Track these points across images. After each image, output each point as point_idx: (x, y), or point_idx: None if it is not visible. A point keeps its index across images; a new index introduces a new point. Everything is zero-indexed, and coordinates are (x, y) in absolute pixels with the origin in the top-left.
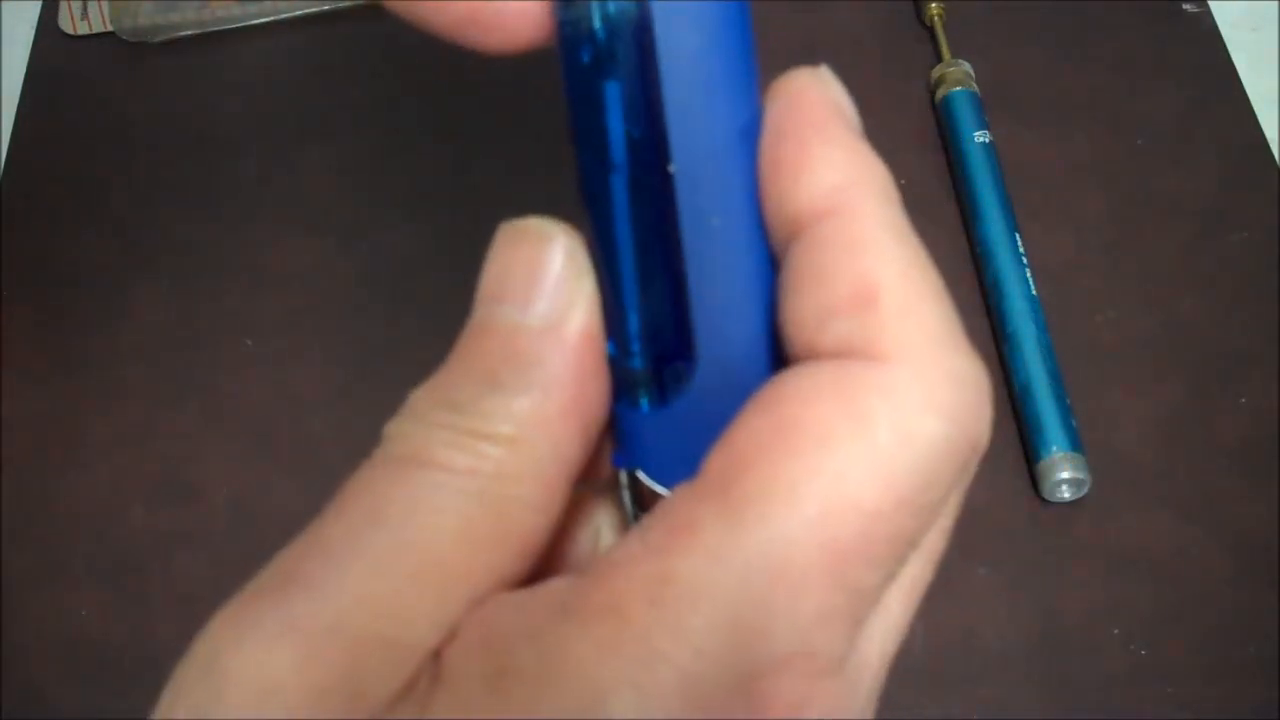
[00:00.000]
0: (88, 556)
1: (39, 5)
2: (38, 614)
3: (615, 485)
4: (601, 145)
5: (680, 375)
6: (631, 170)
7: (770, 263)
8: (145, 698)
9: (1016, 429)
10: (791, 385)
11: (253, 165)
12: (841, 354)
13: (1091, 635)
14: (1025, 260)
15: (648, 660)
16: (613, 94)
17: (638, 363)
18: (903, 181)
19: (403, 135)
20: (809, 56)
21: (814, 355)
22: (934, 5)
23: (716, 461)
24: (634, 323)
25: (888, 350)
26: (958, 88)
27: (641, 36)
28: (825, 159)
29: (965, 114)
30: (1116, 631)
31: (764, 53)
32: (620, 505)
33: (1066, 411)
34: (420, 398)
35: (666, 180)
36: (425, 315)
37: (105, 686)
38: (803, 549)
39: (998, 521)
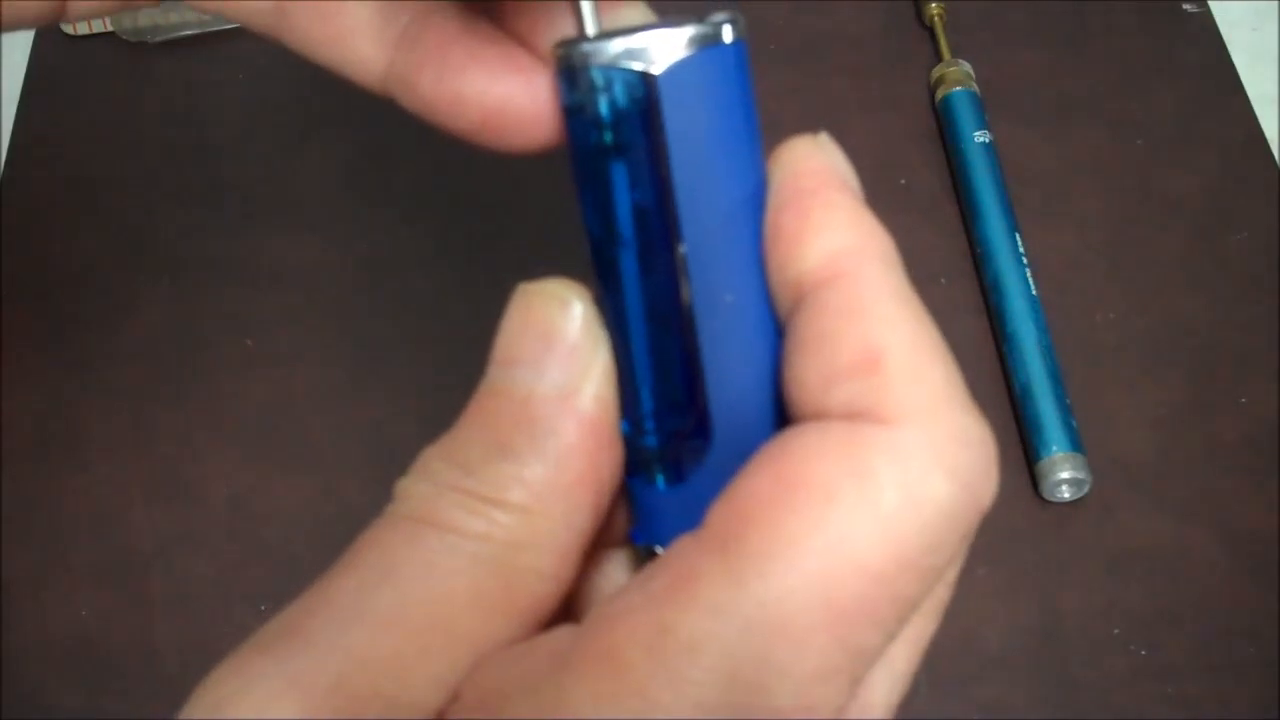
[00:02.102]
0: (88, 556)
1: None
2: (38, 614)
3: (627, 544)
4: (612, 230)
5: (696, 451)
6: (641, 250)
7: (777, 331)
8: (145, 698)
9: (1016, 429)
10: (796, 442)
11: (253, 165)
12: (847, 415)
13: (1091, 635)
14: (1025, 260)
15: (647, 712)
16: (619, 174)
17: (652, 440)
18: (902, 181)
19: (403, 135)
20: (809, 57)
21: (818, 417)
22: (934, 5)
23: (719, 515)
24: (647, 401)
25: (894, 412)
26: (958, 88)
27: (647, 117)
28: (826, 225)
29: (965, 114)
30: (1116, 631)
31: (764, 54)
32: (632, 571)
33: (1066, 411)
34: (432, 457)
35: (676, 258)
36: (425, 315)
37: (105, 686)
38: (803, 606)
39: (998, 521)
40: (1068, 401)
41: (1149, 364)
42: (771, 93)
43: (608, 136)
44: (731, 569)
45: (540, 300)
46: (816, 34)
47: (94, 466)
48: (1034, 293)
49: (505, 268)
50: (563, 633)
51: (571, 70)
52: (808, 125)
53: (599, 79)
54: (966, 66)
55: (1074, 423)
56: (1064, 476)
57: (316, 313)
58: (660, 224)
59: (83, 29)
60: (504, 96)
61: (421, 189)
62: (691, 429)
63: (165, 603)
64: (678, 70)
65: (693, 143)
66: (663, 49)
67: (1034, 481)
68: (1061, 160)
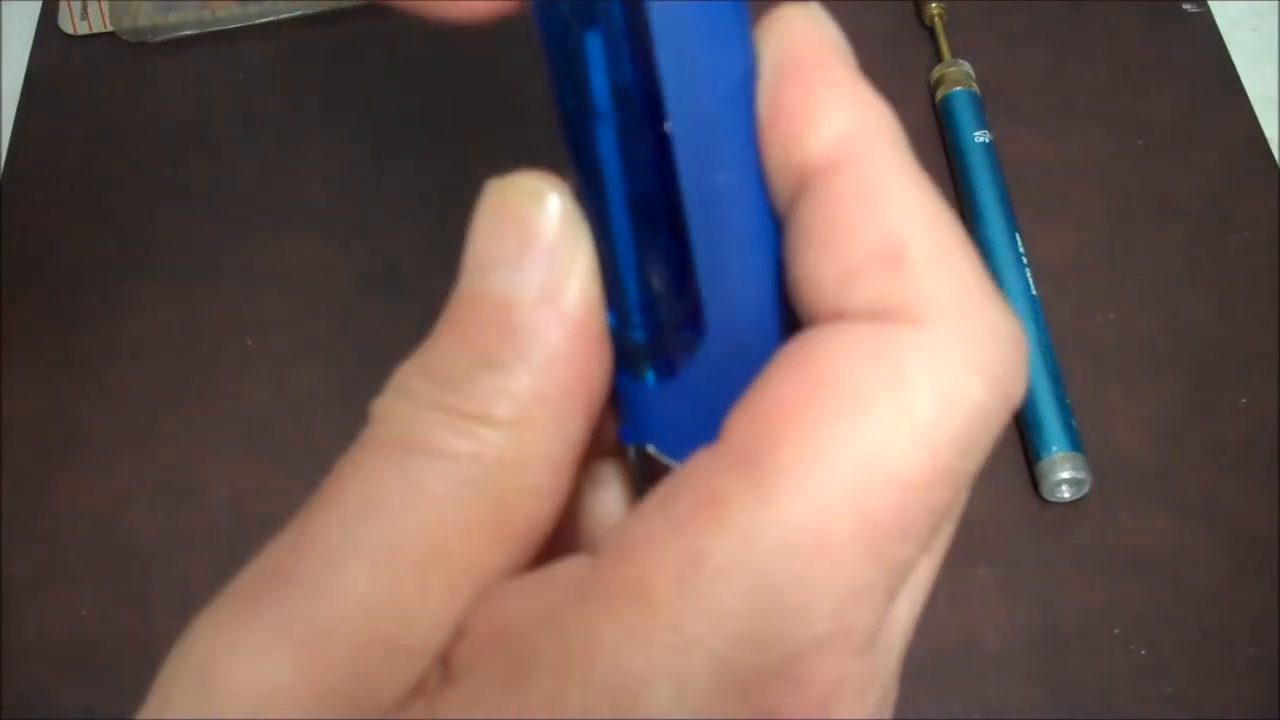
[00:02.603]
0: (88, 556)
1: (39, 5)
2: (38, 614)
3: (619, 454)
4: (587, 104)
5: (686, 344)
6: (622, 128)
7: (774, 218)
8: (145, 698)
9: (1016, 429)
10: (821, 346)
11: (253, 165)
12: (872, 315)
13: (1091, 635)
14: (1025, 260)
15: (682, 647)
16: (595, 47)
17: (640, 334)
18: None
19: (403, 135)
20: None
21: (839, 317)
22: (934, 5)
23: (741, 427)
24: (634, 291)
25: (923, 309)
26: (958, 88)
27: None
28: (832, 104)
29: (965, 114)
30: (1116, 631)
31: None
32: (628, 477)
33: (1066, 411)
34: (410, 374)
35: (661, 137)
36: (425, 315)
37: (105, 686)
38: (839, 522)
39: (998, 521)
40: (1068, 401)
41: (1149, 364)
42: None
43: (580, 7)
44: (761, 487)
45: (513, 196)
46: None
47: (94, 466)
48: (1034, 293)
49: None
50: (579, 562)
51: None
52: None
53: None
54: (966, 66)
55: (1074, 423)
56: (1064, 476)
57: (316, 313)
58: (641, 100)
59: (83, 29)
60: None
61: (421, 189)
62: (682, 320)
63: (165, 603)
64: None
65: (674, 10)
66: None
67: (1034, 481)
68: (1061, 160)
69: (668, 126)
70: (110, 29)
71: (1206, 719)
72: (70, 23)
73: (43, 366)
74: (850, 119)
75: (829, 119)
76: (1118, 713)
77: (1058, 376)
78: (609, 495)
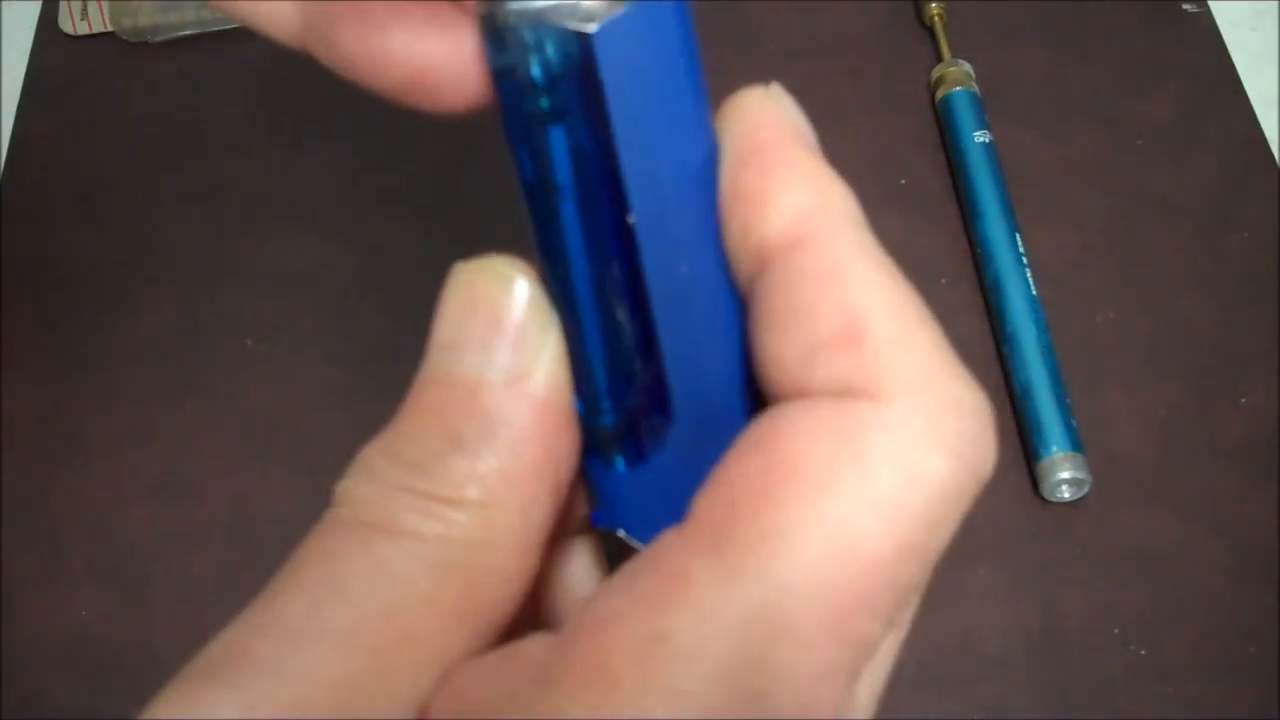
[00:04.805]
0: (88, 556)
1: (39, 5)
2: (38, 614)
3: (588, 531)
4: (552, 195)
5: (655, 430)
6: (585, 219)
7: (738, 300)
8: (145, 698)
9: (1016, 429)
10: (784, 425)
11: (253, 165)
12: (834, 393)
13: (1091, 635)
14: (1025, 260)
15: None
16: (557, 140)
17: (609, 420)
18: (902, 181)
19: (403, 135)
20: (809, 57)
21: (802, 395)
22: (934, 5)
23: (706, 506)
24: (601, 379)
25: (884, 386)
26: (958, 88)
27: (583, 79)
28: (790, 184)
29: (965, 114)
30: (1116, 631)
31: (764, 54)
32: (598, 554)
33: (1066, 411)
34: (375, 456)
35: (624, 228)
36: (425, 315)
37: (105, 686)
38: (803, 603)
39: (998, 521)
40: (1068, 401)
41: (1149, 364)
42: None
43: (542, 101)
44: (726, 567)
45: (482, 279)
46: (816, 34)
47: (94, 466)
48: (1034, 293)
49: None
50: (541, 640)
51: (497, 30)
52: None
53: (528, 38)
54: (966, 66)
55: (1074, 423)
56: (1064, 476)
57: (316, 313)
58: (604, 191)
59: (83, 29)
60: (430, 55)
61: (421, 189)
62: (650, 406)
63: (165, 603)
64: (614, 26)
65: (635, 104)
66: (597, 4)
67: (1034, 481)
68: (1061, 160)
69: (631, 218)
70: (110, 29)
71: (1206, 719)
72: (70, 23)
73: (43, 366)
74: (807, 198)
75: (786, 199)
76: (1118, 713)
77: (1058, 376)
78: (579, 571)
